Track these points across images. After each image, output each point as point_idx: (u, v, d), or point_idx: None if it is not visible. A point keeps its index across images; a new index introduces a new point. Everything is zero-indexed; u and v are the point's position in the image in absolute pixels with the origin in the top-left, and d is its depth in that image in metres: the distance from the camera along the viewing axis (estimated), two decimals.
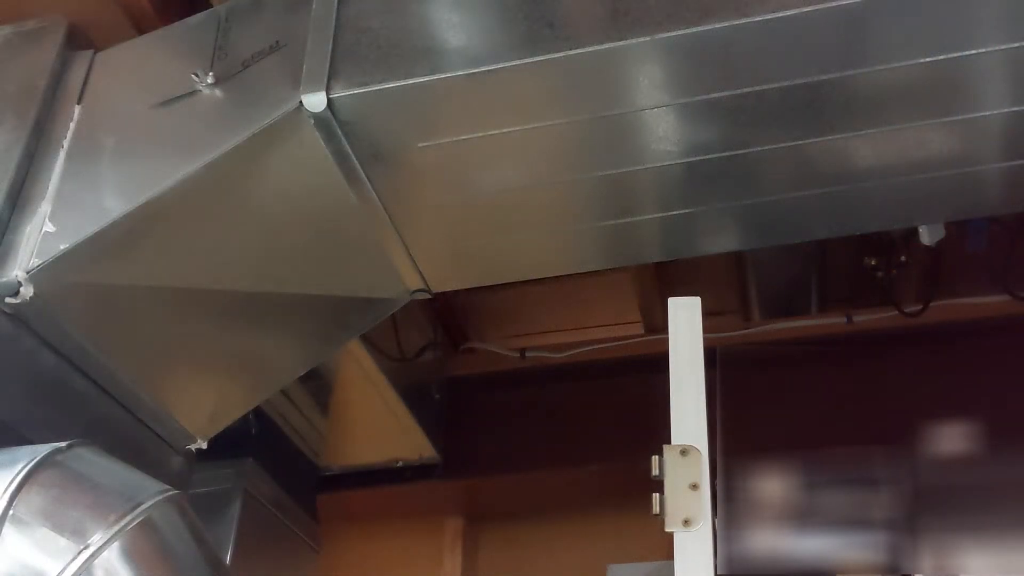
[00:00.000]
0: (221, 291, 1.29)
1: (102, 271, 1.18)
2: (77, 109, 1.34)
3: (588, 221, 1.34)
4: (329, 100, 1.13)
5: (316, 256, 1.34)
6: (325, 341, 1.55)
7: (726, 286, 2.13)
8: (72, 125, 1.32)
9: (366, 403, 2.04)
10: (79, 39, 1.44)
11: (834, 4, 1.02)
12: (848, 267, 2.00)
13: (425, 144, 1.19)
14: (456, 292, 1.95)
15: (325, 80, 1.13)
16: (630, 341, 2.22)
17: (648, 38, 1.05)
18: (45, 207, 1.24)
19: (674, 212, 1.31)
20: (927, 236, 1.47)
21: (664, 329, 1.11)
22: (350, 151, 1.18)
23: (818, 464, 1.86)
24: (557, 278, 1.91)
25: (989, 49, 1.06)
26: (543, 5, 1.11)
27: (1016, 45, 1.06)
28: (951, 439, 1.83)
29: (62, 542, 1.00)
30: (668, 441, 1.04)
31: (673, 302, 1.13)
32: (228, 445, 1.65)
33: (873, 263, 1.93)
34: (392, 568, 2.36)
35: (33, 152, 1.30)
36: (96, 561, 0.99)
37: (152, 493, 1.05)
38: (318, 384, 2.04)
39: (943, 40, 1.06)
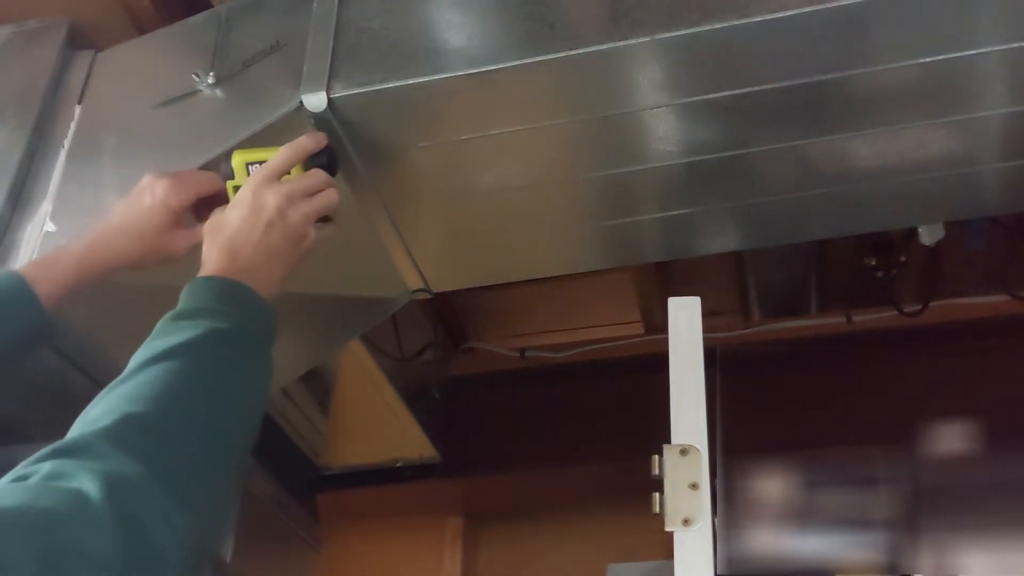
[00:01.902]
0: None
1: None
2: (78, 109, 1.34)
3: (588, 221, 1.35)
4: (330, 100, 1.13)
5: (316, 256, 1.34)
6: (325, 341, 1.55)
7: (726, 286, 2.13)
8: (73, 125, 1.32)
9: (366, 403, 2.04)
10: (80, 39, 1.44)
11: (834, 4, 1.02)
12: (848, 267, 2.00)
13: (425, 144, 1.19)
14: (456, 292, 1.95)
15: (326, 80, 1.14)
16: (630, 341, 2.22)
17: (648, 38, 1.06)
18: (46, 207, 1.25)
19: (674, 212, 1.31)
20: (927, 236, 1.47)
21: (664, 329, 1.11)
22: (351, 151, 1.19)
23: (818, 464, 1.86)
24: (557, 278, 1.91)
25: (989, 49, 1.07)
26: (543, 5, 1.12)
27: (1016, 45, 1.06)
28: (951, 439, 1.83)
29: None
30: (668, 441, 1.04)
31: (673, 302, 1.13)
32: None
33: (873, 263, 1.93)
34: (392, 567, 2.36)
35: (34, 152, 1.30)
36: None
37: None
38: (318, 384, 2.04)
39: (943, 40, 1.06)
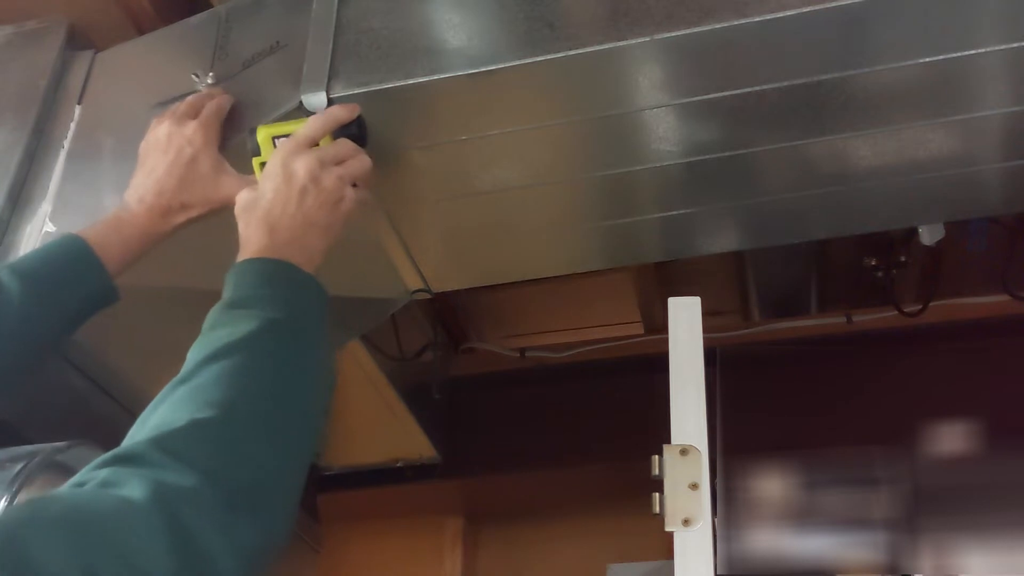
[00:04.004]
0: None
1: None
2: (78, 109, 1.34)
3: (588, 221, 1.35)
4: (329, 100, 1.13)
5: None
6: None
7: (726, 286, 2.13)
8: (73, 125, 1.32)
9: (366, 403, 2.04)
10: (80, 39, 1.44)
11: (834, 4, 1.02)
12: (848, 267, 2.00)
13: (425, 144, 1.19)
14: (456, 292, 1.95)
15: (325, 80, 1.13)
16: (630, 341, 2.22)
17: (648, 38, 1.06)
18: (45, 207, 1.25)
19: (674, 212, 1.31)
20: (927, 236, 1.47)
21: (664, 329, 1.11)
22: None
23: (818, 464, 1.86)
24: (557, 278, 1.91)
25: (989, 49, 1.07)
26: (543, 5, 1.12)
27: (1016, 45, 1.06)
28: (951, 439, 1.83)
29: None
30: (668, 441, 1.04)
31: (673, 302, 1.13)
32: None
33: (873, 263, 1.93)
34: (393, 567, 2.36)
35: (33, 152, 1.30)
36: None
37: None
38: None
39: (943, 40, 1.06)
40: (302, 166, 0.97)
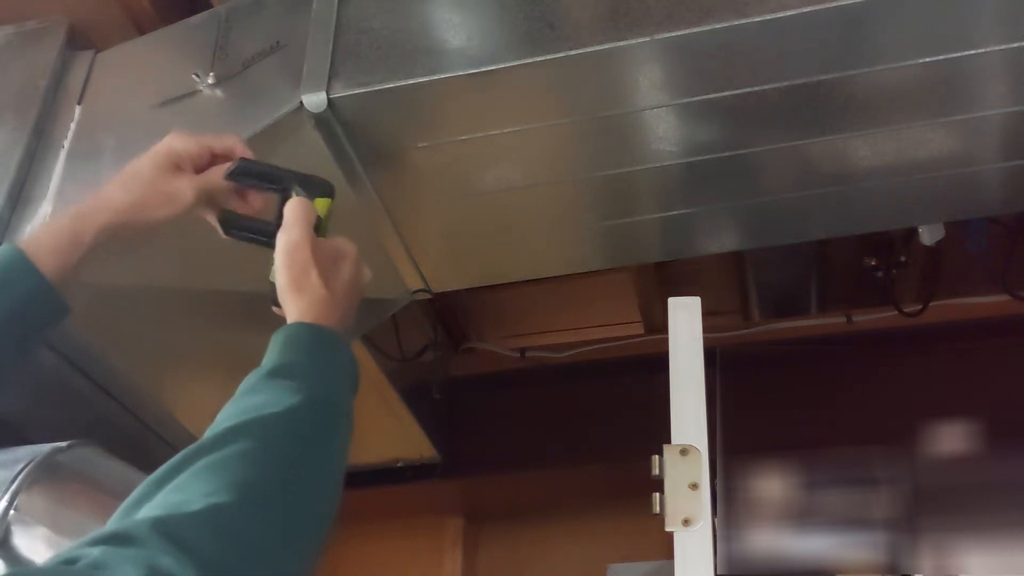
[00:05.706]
0: (224, 291, 1.29)
1: (103, 271, 1.18)
2: (78, 109, 1.34)
3: (588, 221, 1.35)
4: (329, 100, 1.13)
5: None
6: None
7: (726, 286, 2.13)
8: (73, 125, 1.32)
9: (366, 403, 2.03)
10: (80, 39, 1.44)
11: (834, 4, 1.02)
12: (848, 267, 2.00)
13: (425, 144, 1.19)
14: (456, 292, 1.95)
15: (326, 80, 1.13)
16: (630, 341, 2.22)
17: (648, 38, 1.06)
18: (45, 207, 1.25)
19: (674, 212, 1.31)
20: (927, 236, 1.48)
21: (664, 329, 1.11)
22: (351, 151, 1.19)
23: (818, 464, 1.86)
24: (557, 278, 1.91)
25: (989, 49, 1.07)
26: (543, 5, 1.12)
27: (1016, 45, 1.07)
28: (951, 439, 1.83)
29: (63, 543, 1.01)
30: (668, 441, 1.04)
31: (673, 302, 1.13)
32: None
33: (873, 263, 1.93)
34: (393, 567, 2.36)
35: (33, 152, 1.30)
36: None
37: None
38: None
39: (943, 40, 1.06)
40: (351, 250, 1.00)
